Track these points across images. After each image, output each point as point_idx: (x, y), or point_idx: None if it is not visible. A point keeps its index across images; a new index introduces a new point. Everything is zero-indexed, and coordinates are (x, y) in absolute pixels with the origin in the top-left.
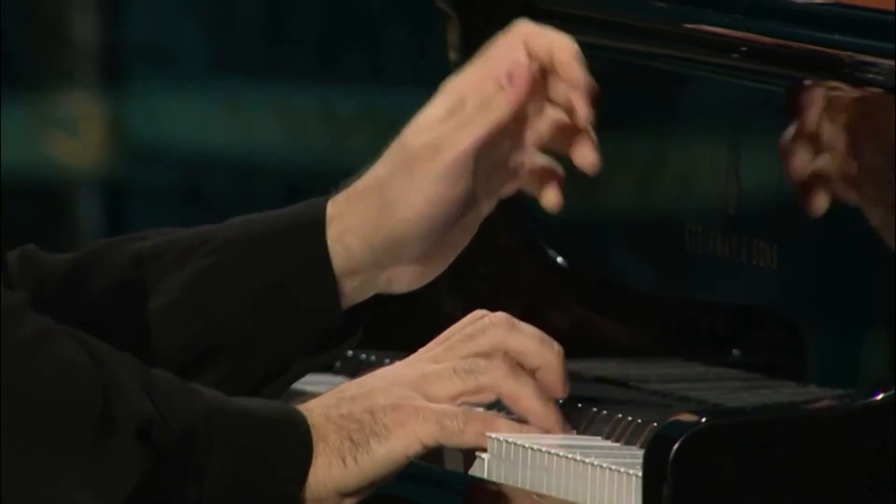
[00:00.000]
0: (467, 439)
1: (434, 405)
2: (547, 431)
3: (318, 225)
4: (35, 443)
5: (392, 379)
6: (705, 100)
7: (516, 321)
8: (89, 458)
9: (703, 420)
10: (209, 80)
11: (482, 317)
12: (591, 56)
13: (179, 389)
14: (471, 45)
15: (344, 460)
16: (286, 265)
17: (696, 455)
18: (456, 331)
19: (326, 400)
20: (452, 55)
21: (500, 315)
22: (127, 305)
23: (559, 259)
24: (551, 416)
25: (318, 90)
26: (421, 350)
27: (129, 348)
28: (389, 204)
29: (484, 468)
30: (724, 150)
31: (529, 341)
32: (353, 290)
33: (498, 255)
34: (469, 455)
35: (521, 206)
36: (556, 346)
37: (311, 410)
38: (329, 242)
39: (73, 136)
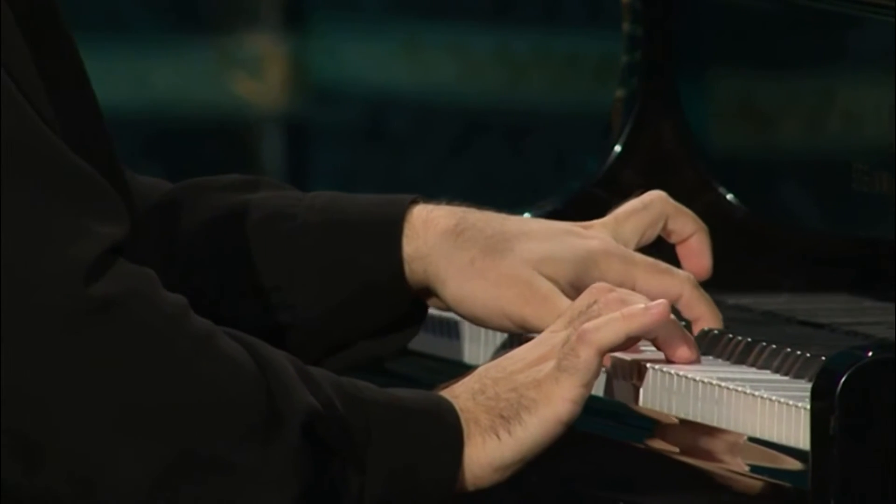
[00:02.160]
0: (587, 361)
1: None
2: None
3: (396, 230)
4: (209, 447)
5: (524, 358)
6: (874, 40)
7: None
8: (263, 455)
9: (870, 354)
10: (389, 21)
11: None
12: None
13: (335, 383)
14: None
15: (498, 434)
16: (361, 256)
17: (862, 388)
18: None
19: (470, 385)
20: None
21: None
22: (208, 254)
23: (729, 196)
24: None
25: (494, 31)
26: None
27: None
28: (458, 286)
29: (656, 400)
30: (892, 90)
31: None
32: (418, 291)
33: (670, 192)
34: (639, 388)
35: (693, 145)
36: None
37: (458, 396)
38: (403, 255)
39: (256, 76)
